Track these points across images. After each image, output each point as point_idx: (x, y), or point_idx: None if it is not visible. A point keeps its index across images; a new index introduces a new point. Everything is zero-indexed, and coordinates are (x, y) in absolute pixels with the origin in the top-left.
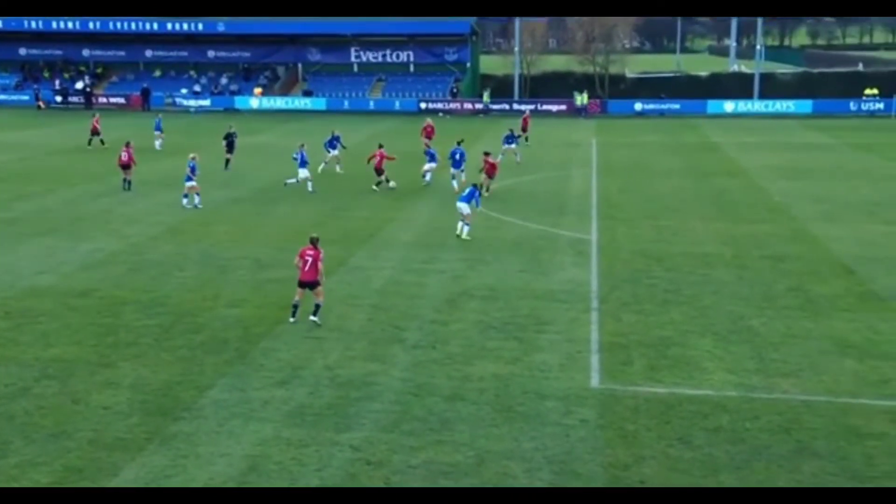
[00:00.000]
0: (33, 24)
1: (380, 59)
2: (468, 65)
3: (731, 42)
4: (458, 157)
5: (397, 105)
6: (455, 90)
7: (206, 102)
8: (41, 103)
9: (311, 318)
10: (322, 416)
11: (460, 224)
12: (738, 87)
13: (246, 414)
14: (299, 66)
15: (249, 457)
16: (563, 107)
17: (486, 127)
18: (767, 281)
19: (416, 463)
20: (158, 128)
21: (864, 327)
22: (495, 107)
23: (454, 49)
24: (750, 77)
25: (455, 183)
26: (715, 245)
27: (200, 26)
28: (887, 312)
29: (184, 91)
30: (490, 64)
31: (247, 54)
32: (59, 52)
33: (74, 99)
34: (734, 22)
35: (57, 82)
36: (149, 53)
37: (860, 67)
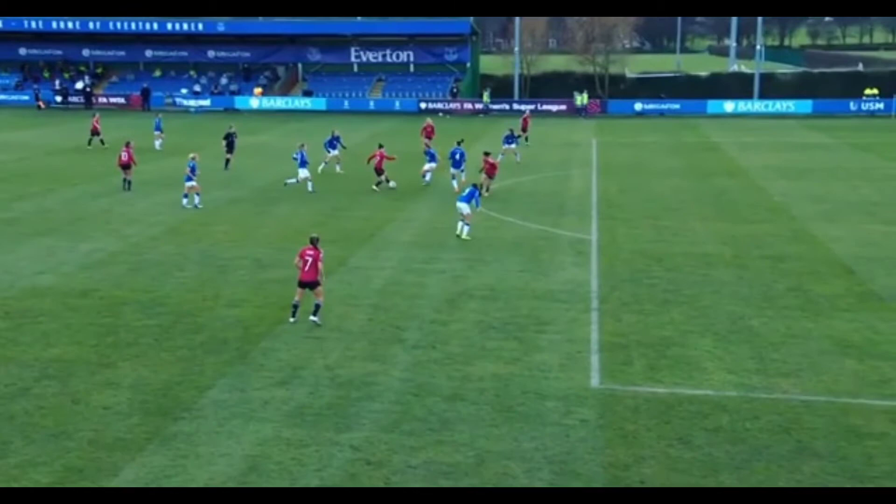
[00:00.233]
0: (33, 24)
1: (380, 59)
2: (468, 65)
3: (731, 42)
4: (458, 157)
5: (397, 105)
6: (455, 90)
7: (206, 102)
8: (41, 103)
9: (311, 318)
10: (322, 416)
11: (460, 224)
12: (738, 87)
13: (246, 414)
14: (299, 66)
15: (249, 457)
16: (563, 107)
17: (486, 127)
18: (767, 281)
19: (416, 463)
20: (158, 128)
21: (864, 327)
22: (495, 107)
23: (454, 49)
24: (750, 77)
25: (455, 183)
26: (715, 245)
27: (200, 26)
28: (887, 312)
29: (184, 91)
30: (490, 64)
31: (247, 54)
32: (59, 52)
33: (74, 99)
34: (734, 22)
35: (57, 82)
36: (149, 53)
37: (860, 67)
